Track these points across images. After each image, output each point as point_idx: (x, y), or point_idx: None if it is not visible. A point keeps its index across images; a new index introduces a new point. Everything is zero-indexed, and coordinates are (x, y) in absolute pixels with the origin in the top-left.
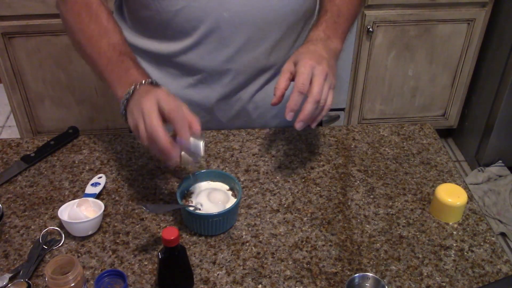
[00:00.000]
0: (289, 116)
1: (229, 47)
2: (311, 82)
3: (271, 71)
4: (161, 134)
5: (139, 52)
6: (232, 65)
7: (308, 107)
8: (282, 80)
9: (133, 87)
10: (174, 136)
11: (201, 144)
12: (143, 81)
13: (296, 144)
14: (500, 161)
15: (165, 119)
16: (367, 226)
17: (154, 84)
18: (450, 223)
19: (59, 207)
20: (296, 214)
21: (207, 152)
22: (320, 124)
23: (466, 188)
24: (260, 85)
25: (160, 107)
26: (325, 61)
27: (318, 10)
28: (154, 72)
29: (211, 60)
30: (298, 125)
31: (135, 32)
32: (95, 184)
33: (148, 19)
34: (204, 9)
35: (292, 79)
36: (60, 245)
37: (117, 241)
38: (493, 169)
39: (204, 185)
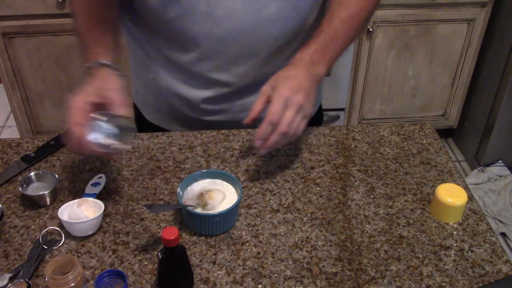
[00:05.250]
0: (257, 143)
1: (218, 58)
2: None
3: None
4: (76, 129)
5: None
6: (221, 75)
7: (274, 138)
8: (258, 103)
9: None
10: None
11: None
12: (95, 62)
13: (296, 144)
14: (500, 161)
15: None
16: (367, 226)
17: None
18: (450, 223)
19: (59, 207)
20: (296, 214)
21: (207, 152)
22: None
23: (466, 188)
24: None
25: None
26: (303, 91)
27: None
28: (156, 58)
29: (198, 66)
30: (262, 151)
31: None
32: (95, 184)
33: (152, 23)
34: (196, 21)
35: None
36: (60, 245)
37: (117, 241)
38: (493, 169)
39: (204, 185)
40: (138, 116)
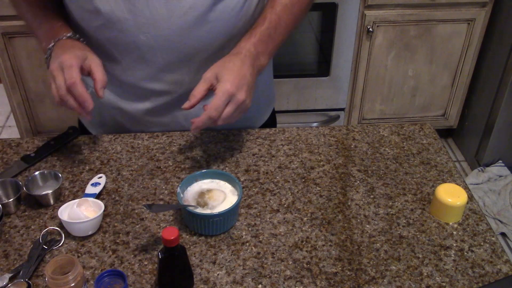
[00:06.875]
0: (193, 131)
1: (149, 66)
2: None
3: None
4: (79, 84)
5: None
6: (155, 84)
7: (208, 125)
8: (200, 90)
9: (53, 42)
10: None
11: None
12: (63, 36)
13: (296, 144)
14: (500, 161)
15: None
16: (367, 226)
17: (73, 38)
18: (450, 223)
19: (59, 207)
20: (296, 214)
21: (207, 152)
22: None
23: (466, 188)
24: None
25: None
26: (246, 86)
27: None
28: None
29: (131, 76)
30: (193, 131)
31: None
32: (95, 184)
33: (83, 33)
34: (121, 29)
35: (211, 88)
36: (60, 245)
37: (117, 241)
38: (493, 169)
39: (204, 185)
40: (83, 132)
